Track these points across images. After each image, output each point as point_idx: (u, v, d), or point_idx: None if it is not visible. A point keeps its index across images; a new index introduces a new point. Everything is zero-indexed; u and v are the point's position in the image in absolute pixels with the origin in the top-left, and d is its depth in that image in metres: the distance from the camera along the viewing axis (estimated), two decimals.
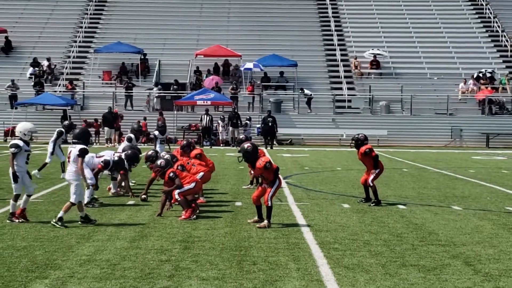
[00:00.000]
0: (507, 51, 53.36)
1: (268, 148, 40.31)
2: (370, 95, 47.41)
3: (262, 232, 12.65)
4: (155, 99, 46.37)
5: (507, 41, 54.01)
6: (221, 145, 42.55)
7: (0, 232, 12.28)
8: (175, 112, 44.55)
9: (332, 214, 14.91)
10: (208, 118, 42.77)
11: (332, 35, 54.60)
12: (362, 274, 9.52)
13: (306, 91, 46.68)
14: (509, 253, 11.02)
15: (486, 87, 48.56)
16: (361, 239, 12.08)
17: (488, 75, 49.57)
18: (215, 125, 43.55)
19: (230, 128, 42.90)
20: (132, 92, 46.47)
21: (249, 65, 47.55)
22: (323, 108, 47.02)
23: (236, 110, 43.66)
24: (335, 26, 55.57)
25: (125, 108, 45.93)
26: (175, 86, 47.54)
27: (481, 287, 8.96)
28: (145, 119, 42.45)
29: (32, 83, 47.43)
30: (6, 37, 51.92)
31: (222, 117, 43.91)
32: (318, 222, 13.89)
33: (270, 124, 41.62)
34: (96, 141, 41.55)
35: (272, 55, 49.80)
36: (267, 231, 12.71)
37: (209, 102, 43.72)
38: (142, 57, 50.09)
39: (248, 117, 44.08)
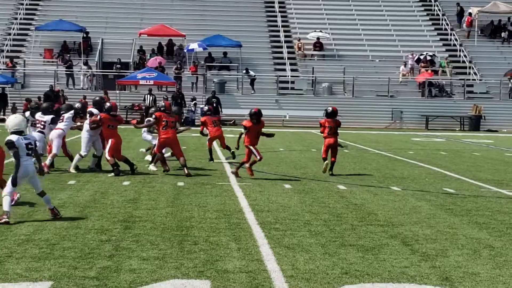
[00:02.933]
0: (447, 34, 54.15)
1: None
2: (313, 76, 47.69)
3: (204, 212, 12.68)
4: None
5: (447, 24, 54.79)
6: None
7: None
8: (118, 91, 44.16)
9: (273, 195, 15.00)
10: (151, 97, 42.49)
11: (276, 16, 54.69)
12: (302, 254, 9.62)
13: (250, 72, 46.73)
14: (445, 233, 11.25)
15: (426, 70, 49.25)
16: (302, 219, 12.20)
17: (429, 58, 50.26)
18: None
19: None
20: (73, 71, 45.89)
21: (193, 45, 47.31)
22: (266, 89, 47.16)
23: (180, 90, 43.46)
24: (279, 7, 55.65)
25: (67, 87, 45.33)
26: (118, 65, 47.10)
27: (418, 266, 9.14)
28: (84, 97, 41.84)
29: None
30: None
31: (165, 97, 43.66)
32: (259, 202, 13.96)
33: (214, 104, 41.53)
34: None
35: (216, 35, 49.68)
36: (209, 212, 12.73)
37: (152, 82, 43.45)
38: (85, 35, 49.45)
39: (192, 97, 43.94)
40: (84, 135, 18.34)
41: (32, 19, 52.56)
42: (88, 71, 46.10)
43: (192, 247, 9.91)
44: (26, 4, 53.53)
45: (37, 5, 54.23)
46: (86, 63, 46.86)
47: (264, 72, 48.90)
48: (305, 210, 13.17)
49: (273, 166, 20.99)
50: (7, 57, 47.95)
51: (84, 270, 8.51)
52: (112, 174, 17.47)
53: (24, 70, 46.85)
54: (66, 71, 45.83)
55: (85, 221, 11.60)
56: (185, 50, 48.01)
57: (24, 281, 8.02)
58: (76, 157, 18.27)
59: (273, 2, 56.03)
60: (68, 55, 47.71)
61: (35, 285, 7.88)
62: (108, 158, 17.60)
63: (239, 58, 49.00)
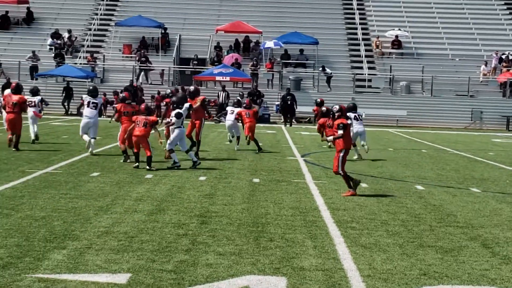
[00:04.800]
0: None
1: (287, 125, 40.27)
2: (390, 75, 47.16)
3: (280, 209, 12.65)
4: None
5: None
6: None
7: (19, 202, 12.35)
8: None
9: None
10: (224, 94, 42.69)
11: (354, 13, 54.27)
12: (379, 254, 9.49)
13: (326, 70, 46.49)
14: None
15: (508, 70, 48.15)
16: (379, 218, 12.04)
17: (511, 57, 49.13)
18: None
19: None
20: (146, 67, 46.47)
21: (269, 44, 47.27)
22: (343, 87, 46.84)
23: (257, 87, 43.47)
24: (357, 4, 55.20)
25: (145, 81, 45.96)
26: (195, 62, 47.50)
27: (498, 269, 8.92)
28: (158, 93, 42.24)
29: (53, 55, 47.54)
30: (28, 8, 51.98)
31: (240, 93, 43.74)
32: (335, 200, 13.85)
33: (289, 102, 41.53)
34: None
35: (293, 33, 49.57)
36: (284, 209, 12.70)
37: (228, 78, 43.65)
38: (163, 31, 50.01)
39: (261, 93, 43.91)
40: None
41: (112, 15, 53.42)
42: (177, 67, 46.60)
43: (268, 243, 9.89)
44: (107, 0, 54.44)
45: (117, 0, 55.08)
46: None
47: (340, 69, 48.60)
48: (382, 209, 13.00)
49: (348, 164, 20.77)
50: (87, 52, 48.86)
51: (162, 263, 8.58)
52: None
53: (104, 65, 47.65)
54: (142, 66, 46.42)
55: (162, 215, 11.70)
56: (261, 47, 48.06)
57: (104, 272, 8.12)
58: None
59: None
60: (144, 51, 48.29)
61: (114, 276, 7.97)
62: (121, 145, 19.31)
63: (316, 55, 48.80)
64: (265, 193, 14.51)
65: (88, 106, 20.98)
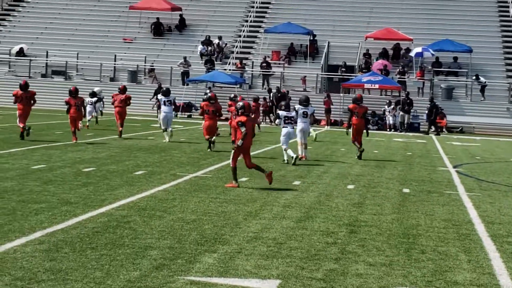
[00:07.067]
0: None
1: (432, 134, 39.42)
2: None
3: (431, 221, 12.29)
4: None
5: None
6: (388, 130, 41.87)
7: (170, 204, 12.60)
8: (342, 94, 44.33)
9: (505, 207, 14.26)
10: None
11: (510, 20, 52.36)
12: None
13: (480, 79, 45.02)
14: None
15: None
16: None
17: None
18: (382, 109, 42.98)
19: (401, 113, 42.02)
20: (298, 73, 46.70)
21: (418, 49, 46.28)
22: (497, 96, 45.22)
23: (408, 95, 42.66)
24: None
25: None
26: (343, 69, 47.30)
27: None
28: (264, 98, 42.09)
29: (203, 61, 48.62)
30: (181, 15, 53.44)
31: (389, 101, 43.21)
32: (490, 214, 13.33)
33: (434, 109, 40.65)
34: (263, 120, 41.95)
35: (445, 40, 48.37)
36: (436, 220, 12.32)
37: (376, 86, 43.17)
38: (311, 38, 50.10)
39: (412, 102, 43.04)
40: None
41: (261, 22, 54.03)
42: (325, 74, 46.62)
43: (419, 255, 9.61)
44: (257, 7, 55.13)
45: (267, 7, 55.68)
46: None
47: (495, 78, 46.96)
48: None
49: (504, 176, 20.02)
50: (236, 58, 49.64)
51: (311, 271, 8.47)
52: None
53: (252, 71, 48.26)
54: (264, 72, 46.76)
55: (310, 222, 11.61)
56: (412, 55, 47.14)
57: (253, 277, 8.11)
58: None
59: (508, 6, 53.70)
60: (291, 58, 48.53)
61: (264, 282, 7.94)
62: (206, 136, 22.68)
63: (469, 63, 47.40)
64: (416, 203, 14.16)
65: (164, 104, 26.02)
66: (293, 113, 21.05)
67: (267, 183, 15.34)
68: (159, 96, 26.99)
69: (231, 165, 15.25)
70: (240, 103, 15.76)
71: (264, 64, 47.26)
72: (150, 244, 9.43)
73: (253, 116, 22.33)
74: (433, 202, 14.50)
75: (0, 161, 17.43)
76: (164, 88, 27.65)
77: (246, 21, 53.74)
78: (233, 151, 15.31)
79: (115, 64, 48.55)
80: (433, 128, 40.33)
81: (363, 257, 9.33)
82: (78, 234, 9.83)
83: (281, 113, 20.80)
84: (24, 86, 24.19)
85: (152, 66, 48.48)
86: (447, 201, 14.64)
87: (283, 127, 20.50)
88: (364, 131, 22.79)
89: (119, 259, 8.55)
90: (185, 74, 46.99)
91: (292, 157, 19.86)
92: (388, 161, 22.56)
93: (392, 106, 42.45)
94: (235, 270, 8.35)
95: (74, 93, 23.96)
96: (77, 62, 48.69)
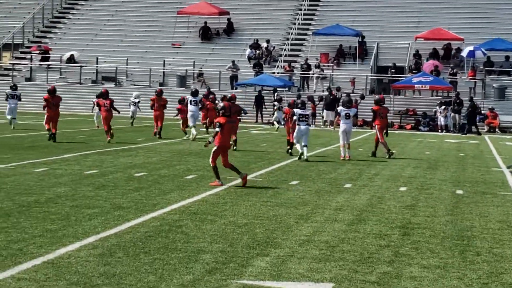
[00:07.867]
0: None
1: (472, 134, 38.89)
2: None
3: (486, 222, 12.10)
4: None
5: None
6: (439, 131, 41.34)
7: (222, 208, 12.62)
8: (392, 96, 43.97)
9: None
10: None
11: None
12: None
13: None
14: None
15: None
16: None
17: None
18: (433, 110, 42.53)
19: (452, 114, 41.50)
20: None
21: (470, 48, 45.64)
22: None
23: (458, 95, 42.11)
24: None
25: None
26: (392, 70, 46.93)
27: None
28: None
29: (251, 64, 48.67)
30: (229, 19, 53.60)
31: (440, 102, 42.72)
32: None
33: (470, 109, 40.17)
34: (312, 122, 41.80)
35: (496, 39, 47.66)
36: (491, 222, 12.13)
37: (427, 86, 42.75)
38: (360, 39, 49.82)
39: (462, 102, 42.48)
40: None
41: (309, 24, 53.89)
42: (375, 76, 46.38)
43: (474, 257, 9.47)
44: (305, 10, 54.98)
45: (315, 10, 55.51)
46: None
47: None
48: None
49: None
50: (285, 61, 49.59)
51: (365, 274, 8.40)
52: None
53: (301, 74, 48.15)
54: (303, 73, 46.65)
55: (363, 225, 11.53)
56: (463, 55, 46.51)
57: (306, 281, 8.07)
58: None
59: None
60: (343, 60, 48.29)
61: (317, 286, 7.89)
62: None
63: None
64: (470, 205, 13.96)
65: (190, 104, 28.17)
66: (308, 112, 22.26)
67: (319, 187, 15.23)
68: (187, 96, 29.37)
69: (211, 164, 15.50)
70: (221, 104, 16.17)
71: (305, 65, 47.18)
72: (202, 248, 9.45)
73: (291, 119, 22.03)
74: (487, 203, 14.28)
75: (53, 166, 17.67)
76: (193, 89, 29.92)
77: (294, 23, 53.64)
78: (212, 151, 15.55)
79: (164, 69, 48.92)
80: (474, 129, 39.76)
81: (417, 260, 9.22)
82: (131, 238, 9.90)
83: (296, 111, 21.58)
84: (53, 91, 25.43)
85: (201, 70, 48.70)
86: (501, 202, 14.41)
87: (297, 124, 21.23)
88: (384, 131, 23.29)
89: (172, 263, 8.59)
90: (233, 78, 47.10)
91: (301, 152, 21.09)
92: (441, 163, 22.29)
93: (443, 107, 41.93)
94: (288, 274, 8.31)
95: (52, 92, 25.16)
96: (127, 67, 49.20)
